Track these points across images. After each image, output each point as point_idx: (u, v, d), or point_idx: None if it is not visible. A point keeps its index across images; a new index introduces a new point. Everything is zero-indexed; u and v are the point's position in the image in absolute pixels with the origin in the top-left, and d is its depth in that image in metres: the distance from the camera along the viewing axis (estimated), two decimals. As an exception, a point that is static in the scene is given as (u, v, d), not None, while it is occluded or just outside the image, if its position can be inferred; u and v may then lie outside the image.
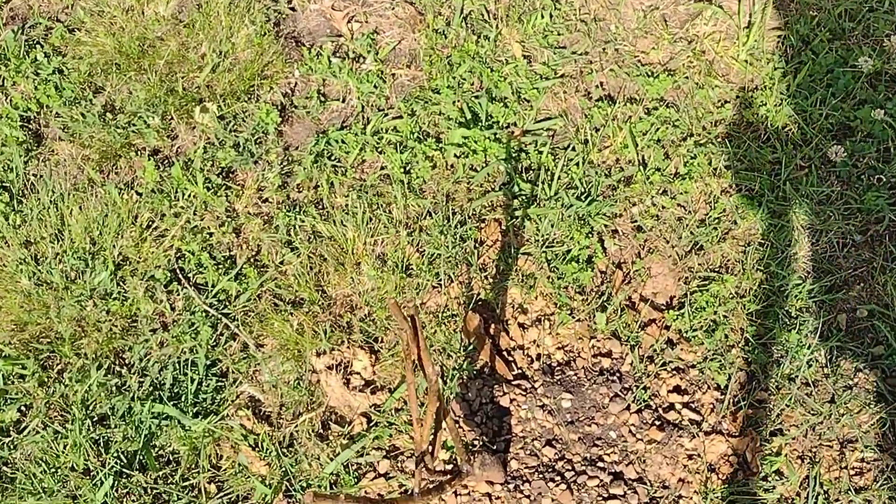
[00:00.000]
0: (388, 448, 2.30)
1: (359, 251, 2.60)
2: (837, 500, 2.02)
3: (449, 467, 2.20)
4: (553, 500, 2.11)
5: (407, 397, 2.34)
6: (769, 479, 2.09)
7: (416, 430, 1.75)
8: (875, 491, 2.01)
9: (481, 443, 2.17)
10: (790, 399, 2.16)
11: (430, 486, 1.93)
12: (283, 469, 2.29)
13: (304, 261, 2.62)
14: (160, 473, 2.34)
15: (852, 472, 2.06)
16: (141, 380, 2.49)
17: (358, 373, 2.43)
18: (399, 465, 2.27)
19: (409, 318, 1.60)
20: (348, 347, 2.46)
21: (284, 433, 2.37)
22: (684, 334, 2.32)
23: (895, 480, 2.02)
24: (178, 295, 2.63)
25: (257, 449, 2.35)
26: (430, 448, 1.81)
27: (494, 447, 2.20)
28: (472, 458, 2.01)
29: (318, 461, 2.30)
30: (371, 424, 2.35)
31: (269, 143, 2.89)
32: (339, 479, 2.28)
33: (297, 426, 2.38)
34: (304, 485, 2.28)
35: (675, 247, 2.46)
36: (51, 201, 2.87)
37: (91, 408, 2.46)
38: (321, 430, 2.37)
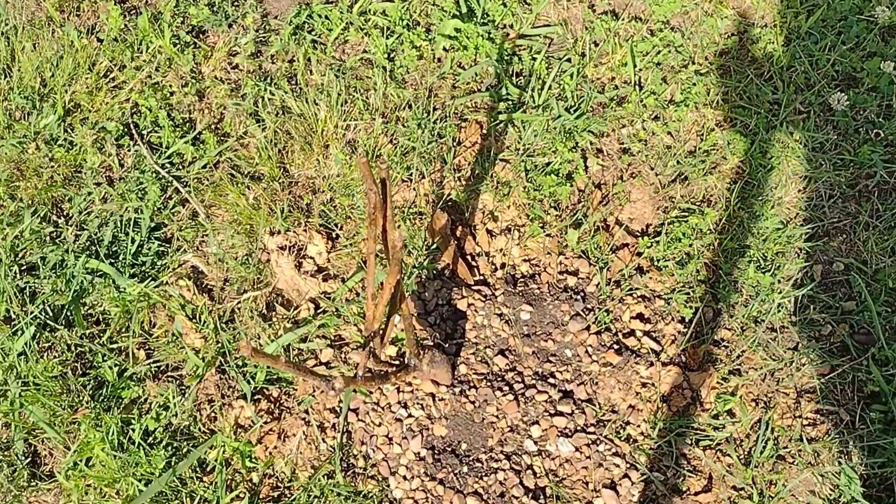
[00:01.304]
0: (333, 338, 2.19)
1: (329, 133, 2.44)
2: (787, 447, 1.98)
3: (395, 363, 2.10)
4: (498, 409, 2.03)
5: (364, 282, 2.21)
6: (720, 417, 2.03)
7: (369, 307, 1.63)
8: (825, 443, 1.97)
9: (433, 342, 2.06)
10: (753, 341, 2.09)
11: (375, 373, 1.83)
12: (220, 344, 2.17)
13: (269, 135, 2.45)
14: (87, 332, 2.19)
15: (805, 422, 2.01)
16: (78, 233, 2.32)
17: (311, 258, 2.30)
18: (343, 356, 2.16)
19: (378, 182, 1.46)
20: (305, 230, 2.32)
21: (225, 308, 2.23)
22: (656, 263, 2.23)
23: (847, 435, 1.98)
24: (129, 151, 2.45)
25: (194, 321, 2.22)
26: (381, 331, 1.70)
27: (445, 348, 2.10)
28: (421, 353, 1.91)
29: (258, 341, 2.18)
30: (318, 311, 2.23)
31: (247, 7, 2.68)
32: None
33: (239, 303, 2.24)
34: (240, 363, 2.16)
35: (660, 174, 2.36)
36: (2, 33, 2.63)
37: (20, 255, 2.29)
38: (265, 311, 2.24)
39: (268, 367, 2.15)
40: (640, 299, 2.19)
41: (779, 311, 2.12)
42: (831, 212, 2.28)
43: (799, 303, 2.15)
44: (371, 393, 2.08)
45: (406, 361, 1.89)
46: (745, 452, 2.00)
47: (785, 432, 2.00)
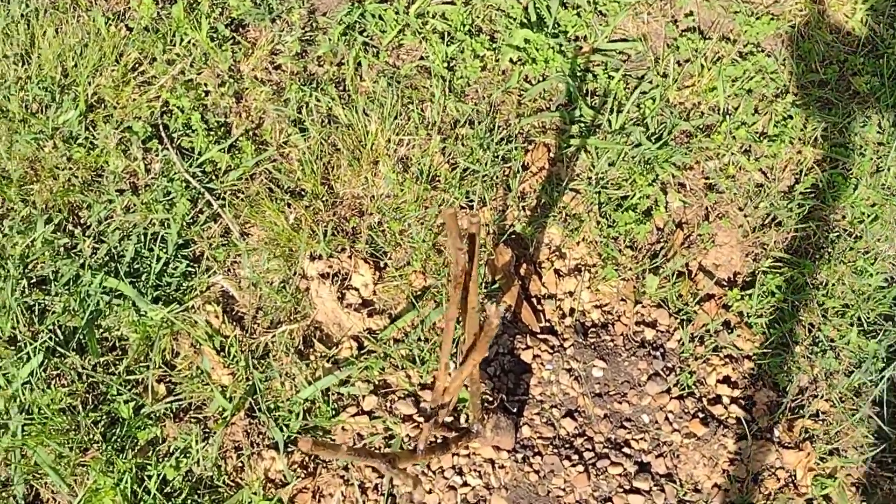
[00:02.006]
0: (377, 383, 1.94)
1: (379, 148, 2.18)
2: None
3: (454, 428, 1.85)
4: (566, 481, 1.78)
5: (433, 331, 1.96)
6: (816, 503, 1.78)
7: (441, 377, 1.38)
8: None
9: (497, 402, 1.82)
10: (855, 418, 1.84)
11: (435, 442, 1.58)
12: (251, 383, 1.92)
13: (313, 146, 2.20)
14: (101, 360, 1.94)
15: (913, 514, 1.77)
16: (96, 245, 2.07)
17: (356, 289, 2.05)
18: (388, 405, 1.91)
19: (466, 237, 1.21)
20: (350, 257, 2.07)
21: (258, 342, 1.98)
22: (745, 319, 1.98)
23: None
24: (157, 155, 2.19)
25: (222, 354, 1.97)
26: (449, 401, 1.45)
27: (510, 410, 1.85)
28: (485, 417, 1.66)
29: (293, 382, 1.93)
30: (362, 352, 1.98)
31: (293, 2, 2.42)
32: (314, 407, 1.92)
33: (274, 337, 1.99)
34: (272, 406, 1.91)
35: (749, 216, 2.10)
36: (22, 15, 2.37)
37: (30, 267, 2.04)
38: (302, 347, 2.00)
39: (303, 413, 1.90)
40: (727, 360, 1.94)
41: (883, 384, 1.87)
42: (945, 272, 2.02)
43: (906, 375, 1.90)
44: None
45: (469, 426, 1.64)
46: (846, 547, 1.75)
47: (892, 527, 1.75)
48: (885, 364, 1.89)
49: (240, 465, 1.86)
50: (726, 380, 1.91)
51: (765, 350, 1.94)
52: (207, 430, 1.89)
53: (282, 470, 1.84)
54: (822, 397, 1.89)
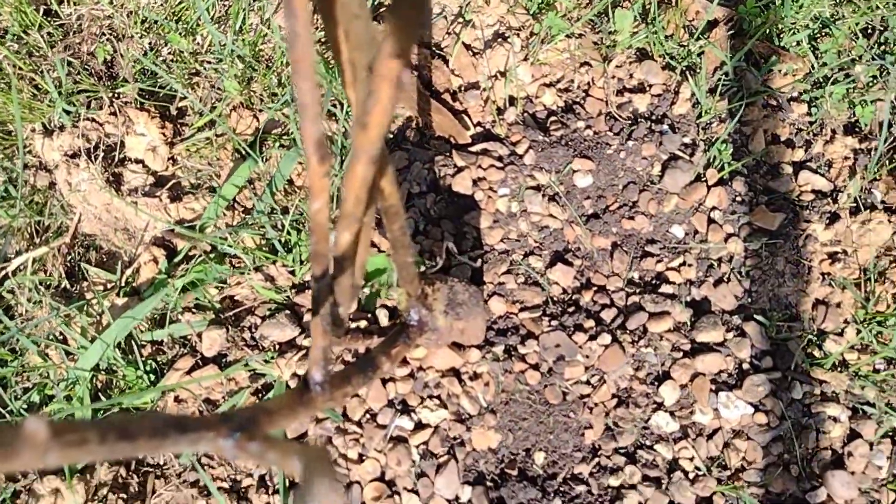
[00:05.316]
0: (217, 305, 1.08)
1: (121, -68, 1.26)
2: None
3: (375, 328, 1.02)
4: (587, 368, 1.01)
5: (292, 191, 1.11)
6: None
7: (315, 190, 0.54)
8: None
9: (440, 256, 1.01)
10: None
11: (344, 365, 0.77)
12: (-20, 371, 1.02)
13: (2, -48, 1.25)
14: None
15: None
16: None
17: (139, 161, 1.16)
18: (245, 335, 1.06)
19: None
20: (114, 113, 1.17)
21: (-21, 295, 1.08)
22: (776, 43, 1.24)
23: None
24: None
25: (-84, 336, 1.05)
26: (347, 264, 0.62)
27: (470, 265, 1.05)
28: (429, 291, 0.85)
29: (63, 346, 1.05)
30: (176, 261, 1.11)
31: None
32: (114, 378, 1.05)
33: (11, 276, 1.09)
34: (37, 396, 1.02)
35: None
36: None
37: None
38: (66, 284, 1.11)
39: (96, 392, 1.03)
40: (767, 108, 1.20)
41: None
42: None
43: None
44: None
45: (403, 318, 0.82)
46: None
47: None
48: None
49: (-3, 522, 0.98)
50: (777, 139, 1.17)
51: (817, 80, 1.21)
52: (-81, 478, 0.99)
53: (77, 508, 0.97)
54: None
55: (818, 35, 1.25)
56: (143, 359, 1.05)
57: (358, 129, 0.51)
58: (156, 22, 1.23)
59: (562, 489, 0.97)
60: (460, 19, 1.26)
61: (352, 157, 0.55)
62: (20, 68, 1.19)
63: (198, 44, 1.24)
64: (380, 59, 0.45)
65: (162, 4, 1.25)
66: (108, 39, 1.23)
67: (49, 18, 1.25)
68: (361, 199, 0.58)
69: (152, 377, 1.05)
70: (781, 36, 1.24)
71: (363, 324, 1.02)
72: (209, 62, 1.22)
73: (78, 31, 1.24)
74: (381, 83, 0.46)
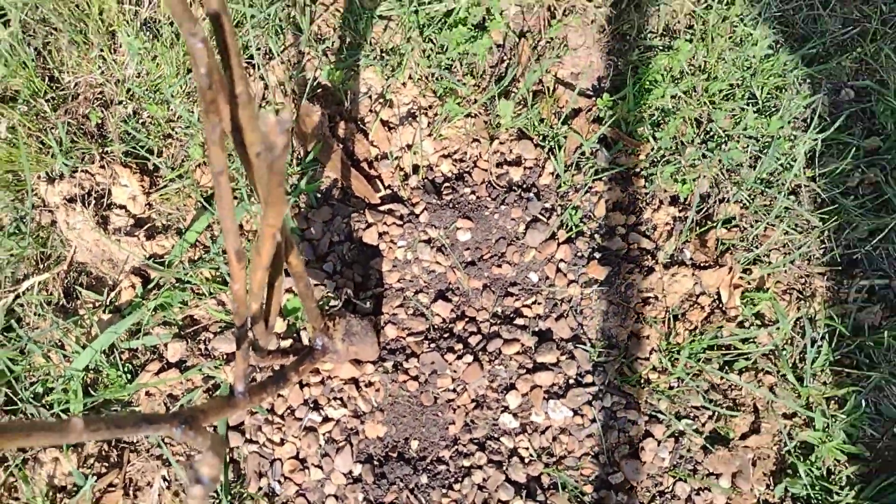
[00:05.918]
0: (180, 322, 1.43)
1: (111, 13, 1.58)
2: (846, 345, 1.45)
3: (287, 344, 1.38)
4: (454, 379, 1.37)
5: (244, 234, 1.44)
6: (750, 324, 1.47)
7: (235, 273, 0.89)
8: (892, 330, 1.46)
9: (341, 300, 1.35)
10: (772, 214, 1.52)
11: (264, 378, 1.11)
12: (0, 367, 1.36)
13: (15, 30, 1.56)
14: None
15: (858, 308, 1.48)
16: None
17: (122, 206, 1.49)
18: (201, 347, 1.41)
19: (211, 15, 0.71)
20: (103, 166, 1.50)
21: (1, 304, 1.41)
22: (624, 129, 1.59)
23: (906, 313, 1.48)
24: None
25: (-52, 339, 1.38)
26: (264, 312, 0.97)
27: (362, 306, 1.40)
28: (330, 325, 1.20)
29: (61, 350, 1.38)
30: (150, 287, 1.45)
31: None
32: (99, 376, 1.39)
33: (21, 295, 1.42)
34: (40, 389, 1.36)
35: (601, 5, 1.69)
36: None
37: None
38: (64, 302, 1.44)
39: (85, 388, 1.37)
40: (612, 182, 1.55)
41: (793, 166, 1.55)
42: (832, 21, 1.70)
43: (815, 148, 1.59)
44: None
45: (310, 342, 1.17)
46: (793, 365, 1.45)
47: (835, 324, 1.46)
48: (794, 141, 1.57)
49: (11, 480, 1.32)
50: (617, 206, 1.53)
51: (653, 160, 1.57)
52: (-48, 447, 1.33)
53: (70, 472, 1.32)
54: (730, 200, 1.55)
55: (660, 122, 1.61)
56: (123, 362, 1.39)
57: (254, 253, 0.86)
58: (133, 98, 1.55)
59: (429, 468, 1.33)
60: (381, 99, 1.60)
61: (252, 267, 0.89)
62: (29, 128, 1.51)
63: (171, 111, 1.56)
64: (262, 225, 0.80)
65: (143, 77, 1.58)
66: (99, 106, 1.55)
67: (52, 84, 1.57)
68: (263, 285, 0.92)
69: (129, 377, 1.39)
70: (629, 123, 1.60)
71: (290, 342, 1.37)
72: (180, 127, 1.55)
73: (75, 96, 1.56)
74: (264, 239, 0.81)
